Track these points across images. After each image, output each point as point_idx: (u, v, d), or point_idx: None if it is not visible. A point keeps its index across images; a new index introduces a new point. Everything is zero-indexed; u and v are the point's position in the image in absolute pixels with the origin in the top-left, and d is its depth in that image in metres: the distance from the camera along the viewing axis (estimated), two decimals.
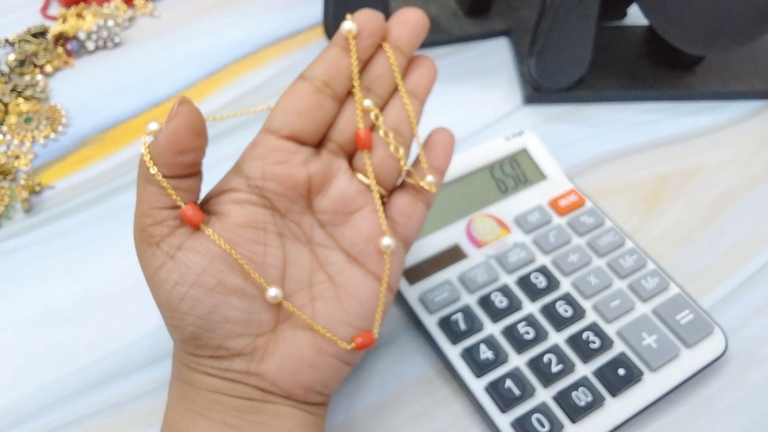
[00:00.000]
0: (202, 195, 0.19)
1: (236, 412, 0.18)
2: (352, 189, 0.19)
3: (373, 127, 0.19)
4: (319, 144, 0.19)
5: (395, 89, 0.19)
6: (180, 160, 0.16)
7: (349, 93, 0.19)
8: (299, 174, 0.18)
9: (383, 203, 0.20)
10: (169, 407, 0.19)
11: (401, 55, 0.19)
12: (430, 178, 0.19)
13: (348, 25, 0.18)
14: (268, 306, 0.18)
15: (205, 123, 0.17)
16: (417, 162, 0.20)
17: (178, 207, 0.17)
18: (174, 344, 0.19)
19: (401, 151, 0.19)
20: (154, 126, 0.17)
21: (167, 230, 0.17)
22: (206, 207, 0.18)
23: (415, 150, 0.20)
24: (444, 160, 0.20)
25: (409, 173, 0.20)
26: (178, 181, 0.17)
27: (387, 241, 0.19)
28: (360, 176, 0.19)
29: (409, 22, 0.19)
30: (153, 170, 0.16)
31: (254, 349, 0.18)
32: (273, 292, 0.18)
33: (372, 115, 0.19)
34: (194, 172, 0.17)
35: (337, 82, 0.18)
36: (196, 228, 0.17)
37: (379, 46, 0.19)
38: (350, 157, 0.20)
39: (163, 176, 0.17)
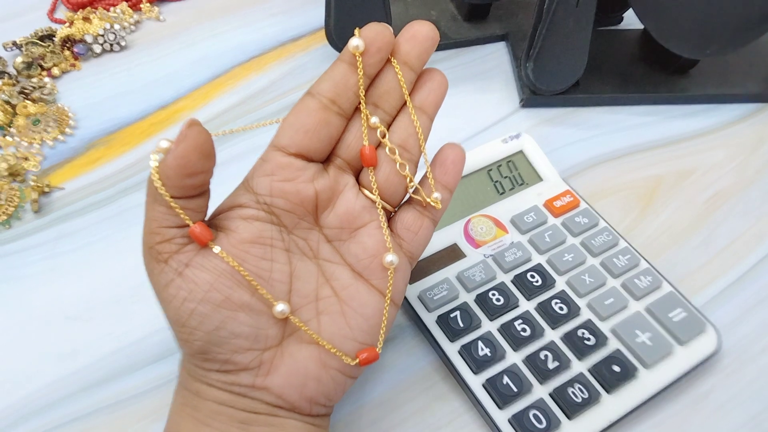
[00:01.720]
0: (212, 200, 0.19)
1: (240, 424, 0.18)
2: (358, 205, 0.19)
3: (379, 144, 0.19)
4: (326, 159, 0.19)
5: (404, 104, 0.19)
6: (188, 182, 0.17)
7: (357, 109, 0.19)
8: (306, 191, 0.18)
9: (390, 219, 0.20)
10: (172, 412, 0.19)
11: (410, 70, 0.19)
12: (436, 194, 0.19)
13: (355, 41, 0.18)
14: (275, 321, 0.18)
15: (213, 144, 0.17)
16: (425, 178, 0.20)
17: (186, 225, 0.17)
18: (182, 354, 0.19)
19: (407, 168, 0.19)
20: (164, 144, 0.17)
21: (175, 248, 0.17)
22: (215, 222, 0.19)
23: (423, 165, 0.20)
24: (453, 177, 0.20)
25: (415, 189, 0.20)
26: (186, 201, 0.17)
27: (390, 257, 0.19)
28: (366, 192, 0.19)
29: (419, 36, 0.18)
30: (161, 191, 0.16)
31: (260, 363, 0.18)
32: (280, 307, 0.18)
33: (378, 132, 0.19)
34: (202, 192, 0.18)
35: (344, 99, 0.18)
36: (204, 246, 0.17)
37: (388, 61, 0.19)
38: (357, 173, 0.20)
39: (172, 197, 0.17)
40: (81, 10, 0.38)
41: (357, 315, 0.19)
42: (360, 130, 0.19)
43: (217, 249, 0.17)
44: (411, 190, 0.20)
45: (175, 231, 0.17)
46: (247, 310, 0.18)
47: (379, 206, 0.19)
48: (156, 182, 0.16)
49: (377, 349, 0.19)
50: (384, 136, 0.19)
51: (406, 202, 0.20)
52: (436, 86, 0.19)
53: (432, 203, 0.19)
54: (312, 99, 0.18)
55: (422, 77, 0.20)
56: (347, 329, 0.19)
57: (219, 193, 0.20)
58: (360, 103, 0.19)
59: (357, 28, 0.18)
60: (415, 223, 0.20)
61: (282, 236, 0.19)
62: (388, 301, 0.19)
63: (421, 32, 0.19)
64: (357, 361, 0.19)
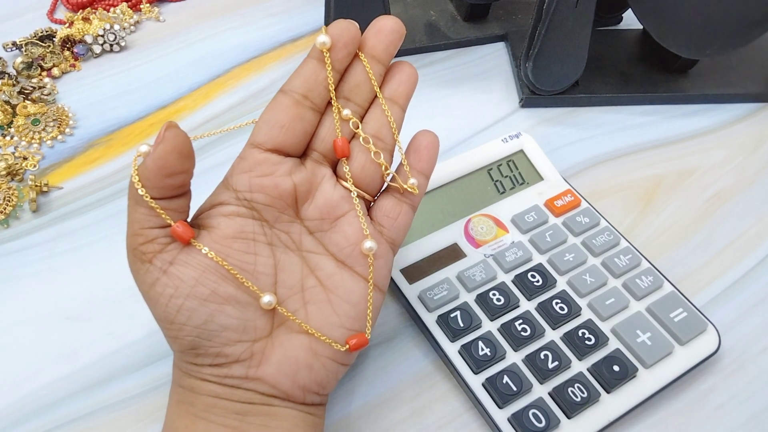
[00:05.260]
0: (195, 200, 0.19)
1: (236, 415, 0.18)
2: (336, 195, 0.19)
3: (354, 136, 0.20)
4: (303, 154, 0.20)
5: (375, 97, 0.20)
6: (168, 182, 0.17)
7: (329, 103, 0.19)
8: (285, 184, 0.19)
9: (369, 207, 0.20)
10: (169, 410, 0.19)
11: (378, 63, 0.19)
12: (412, 180, 0.20)
13: (321, 38, 0.18)
14: (263, 312, 0.19)
15: (191, 145, 0.17)
16: (401, 165, 0.20)
17: (168, 225, 0.18)
18: (174, 353, 0.19)
19: (382, 156, 0.20)
20: (144, 148, 0.17)
21: (159, 247, 0.18)
22: (197, 221, 0.19)
23: (398, 155, 0.20)
24: (428, 162, 0.20)
25: (392, 177, 0.20)
26: (167, 202, 0.17)
27: (368, 244, 0.19)
28: (343, 182, 0.20)
29: (384, 30, 0.19)
30: (141, 192, 0.17)
31: (251, 354, 0.18)
32: (267, 298, 0.18)
33: (351, 123, 0.19)
34: (183, 192, 0.18)
35: (316, 94, 0.19)
36: (187, 244, 0.18)
37: (356, 56, 0.19)
38: (334, 165, 0.20)
39: (153, 198, 0.17)
40: (81, 10, 0.38)
41: (343, 302, 0.19)
42: (333, 123, 0.19)
43: (200, 246, 0.18)
44: (388, 178, 0.20)
45: (157, 231, 0.18)
46: (233, 302, 0.18)
47: (355, 195, 0.19)
48: (136, 184, 0.17)
49: (366, 335, 0.19)
50: (357, 127, 0.19)
51: (384, 190, 0.21)
52: (405, 78, 0.20)
53: (409, 189, 0.20)
54: (285, 96, 0.19)
55: (392, 70, 0.20)
56: (335, 317, 0.19)
57: (204, 198, 0.20)
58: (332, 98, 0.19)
59: (324, 26, 0.19)
60: (393, 210, 0.20)
61: (264, 230, 0.19)
62: (372, 287, 0.19)
63: (386, 26, 0.19)
64: (347, 347, 0.19)
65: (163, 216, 0.17)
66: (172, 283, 0.17)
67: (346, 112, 0.19)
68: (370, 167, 0.20)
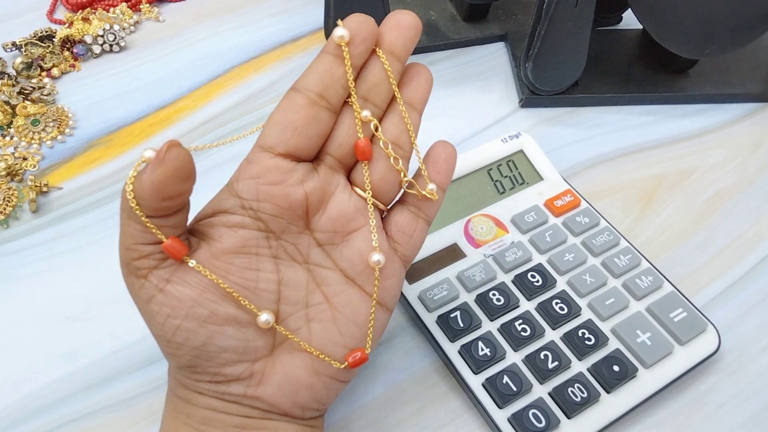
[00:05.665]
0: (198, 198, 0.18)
1: (234, 428, 0.18)
2: (351, 207, 0.18)
3: (372, 139, 0.18)
4: (315, 158, 0.18)
5: (392, 98, 0.18)
6: (165, 205, 0.16)
7: (345, 104, 0.18)
8: (296, 194, 0.17)
9: (383, 219, 0.20)
10: (165, 418, 0.19)
11: (396, 60, 0.18)
12: (431, 186, 0.19)
13: (340, 31, 0.17)
14: (263, 332, 0.18)
15: (193, 165, 0.16)
16: (417, 175, 0.19)
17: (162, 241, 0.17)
18: (169, 364, 0.19)
19: (401, 163, 0.18)
20: (149, 153, 0.15)
21: (154, 263, 0.16)
22: (197, 227, 0.18)
23: (414, 164, 0.19)
24: (446, 175, 0.19)
25: (410, 184, 0.19)
26: (162, 220, 0.16)
27: (376, 257, 0.18)
28: (359, 191, 0.18)
29: (403, 25, 0.18)
30: (137, 210, 0.16)
31: (251, 374, 0.18)
32: (264, 317, 0.17)
33: (371, 126, 0.18)
34: (180, 209, 0.17)
35: (332, 93, 0.17)
36: (179, 261, 0.17)
37: (373, 52, 0.18)
38: (348, 172, 0.19)
39: (147, 216, 0.16)
40: (80, 10, 0.38)
41: (349, 322, 0.18)
42: (350, 125, 0.18)
43: (192, 263, 0.17)
44: (405, 185, 0.19)
45: (152, 248, 0.16)
46: (233, 323, 0.17)
47: (371, 204, 0.18)
48: (131, 201, 0.15)
49: (366, 350, 0.19)
50: (377, 129, 0.18)
51: (398, 202, 0.20)
52: (423, 81, 0.19)
53: (428, 195, 0.19)
54: (298, 94, 0.17)
55: (408, 72, 0.19)
56: (339, 336, 0.18)
57: (203, 200, 0.19)
58: (348, 96, 0.18)
59: (339, 20, 0.17)
60: (409, 226, 0.19)
61: (269, 243, 0.18)
62: (375, 302, 0.19)
63: (404, 21, 0.18)
64: (346, 364, 0.18)
65: (158, 235, 0.16)
66: (169, 303, 0.16)
67: (366, 113, 0.18)
68: (390, 175, 0.18)
